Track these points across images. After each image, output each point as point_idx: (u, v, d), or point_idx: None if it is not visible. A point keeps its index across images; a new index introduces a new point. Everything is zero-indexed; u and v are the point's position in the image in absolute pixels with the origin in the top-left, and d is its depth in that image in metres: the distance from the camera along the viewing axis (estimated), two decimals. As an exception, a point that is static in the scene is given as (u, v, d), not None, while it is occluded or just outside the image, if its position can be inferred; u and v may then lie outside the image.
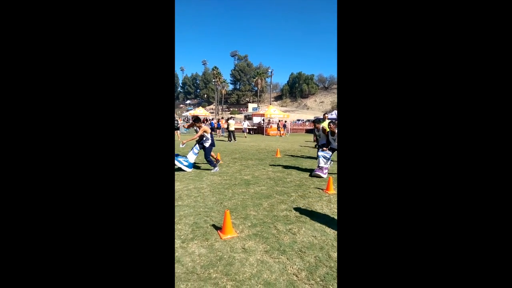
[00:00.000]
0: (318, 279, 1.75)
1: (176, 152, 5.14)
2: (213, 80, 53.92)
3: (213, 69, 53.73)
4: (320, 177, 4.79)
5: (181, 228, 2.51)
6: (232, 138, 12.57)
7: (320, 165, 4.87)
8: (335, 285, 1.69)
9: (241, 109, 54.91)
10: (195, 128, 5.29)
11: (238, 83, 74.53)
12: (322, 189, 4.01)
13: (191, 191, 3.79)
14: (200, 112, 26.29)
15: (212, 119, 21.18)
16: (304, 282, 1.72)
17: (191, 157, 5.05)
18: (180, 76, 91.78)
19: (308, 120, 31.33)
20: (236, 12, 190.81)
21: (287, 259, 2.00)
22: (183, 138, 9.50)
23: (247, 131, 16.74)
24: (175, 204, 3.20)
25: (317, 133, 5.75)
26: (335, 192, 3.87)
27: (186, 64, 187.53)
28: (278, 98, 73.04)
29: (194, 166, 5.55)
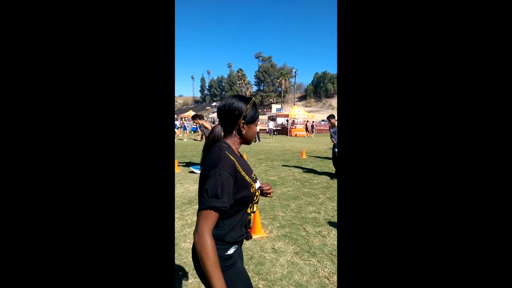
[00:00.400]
0: (351, 284, 1.71)
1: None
2: (238, 82, 54.77)
3: (238, 71, 54.60)
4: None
5: (212, 226, 2.60)
6: (257, 139, 12.67)
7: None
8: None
9: (265, 110, 55.00)
10: (198, 126, 5.32)
11: (262, 84, 74.83)
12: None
13: (219, 190, 3.91)
14: (225, 113, 26.79)
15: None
16: (336, 286, 1.69)
17: None
18: (206, 79, 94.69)
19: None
20: (260, 13, 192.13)
21: (318, 261, 1.98)
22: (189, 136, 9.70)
23: (273, 131, 16.68)
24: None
25: (331, 130, 5.31)
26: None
27: (213, 67, 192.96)
28: (302, 98, 71.94)
29: None
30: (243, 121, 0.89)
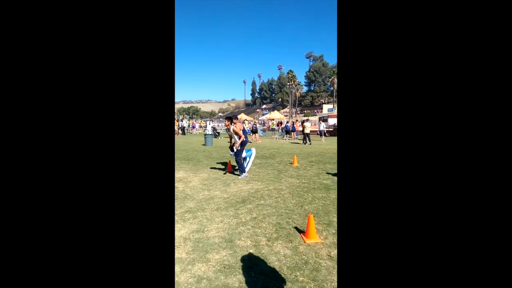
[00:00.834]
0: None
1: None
2: (288, 83, 54.49)
3: (288, 73, 54.35)
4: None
5: (265, 227, 2.63)
6: (307, 141, 12.34)
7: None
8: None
9: (315, 110, 53.20)
10: (226, 130, 5.15)
11: (313, 84, 72.70)
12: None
13: (271, 191, 3.94)
14: (275, 115, 27.03)
15: (287, 122, 21.38)
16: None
17: (245, 157, 5.10)
18: (257, 82, 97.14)
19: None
20: (311, 12, 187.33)
21: (381, 276, 1.80)
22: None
23: (324, 133, 15.97)
24: (258, 202, 3.39)
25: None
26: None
27: (263, 71, 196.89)
28: (357, 97, 66.88)
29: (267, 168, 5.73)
30: None
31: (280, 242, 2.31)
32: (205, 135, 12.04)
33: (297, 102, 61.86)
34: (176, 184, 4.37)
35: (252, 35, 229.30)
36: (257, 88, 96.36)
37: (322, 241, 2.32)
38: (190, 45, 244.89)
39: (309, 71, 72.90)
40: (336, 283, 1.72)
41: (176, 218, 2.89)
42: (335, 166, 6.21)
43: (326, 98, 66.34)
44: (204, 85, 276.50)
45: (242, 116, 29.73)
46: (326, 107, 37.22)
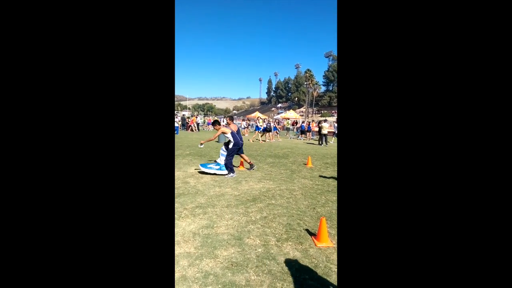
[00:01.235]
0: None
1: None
2: (305, 83, 53.77)
3: (305, 72, 53.61)
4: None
5: (275, 227, 2.59)
6: (323, 142, 12.09)
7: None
8: None
9: (333, 111, 52.14)
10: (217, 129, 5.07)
11: (331, 84, 71.19)
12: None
13: (283, 191, 3.88)
14: (291, 115, 26.75)
15: (303, 122, 21.11)
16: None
17: (221, 160, 4.92)
18: (273, 81, 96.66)
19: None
20: (331, 10, 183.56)
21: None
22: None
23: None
24: (269, 202, 3.35)
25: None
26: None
27: (280, 69, 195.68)
28: (376, 99, 64.87)
29: (274, 167, 5.65)
30: None
31: (290, 243, 2.26)
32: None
33: (314, 102, 60.93)
34: (188, 179, 4.43)
35: (270, 34, 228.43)
36: (273, 86, 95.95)
37: (334, 245, 2.24)
38: (208, 42, 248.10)
39: (328, 71, 71.46)
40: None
41: (186, 212, 2.92)
42: (351, 168, 6.03)
43: (344, 99, 64.73)
44: (220, 83, 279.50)
45: (256, 115, 29.72)
46: (343, 108, 36.25)
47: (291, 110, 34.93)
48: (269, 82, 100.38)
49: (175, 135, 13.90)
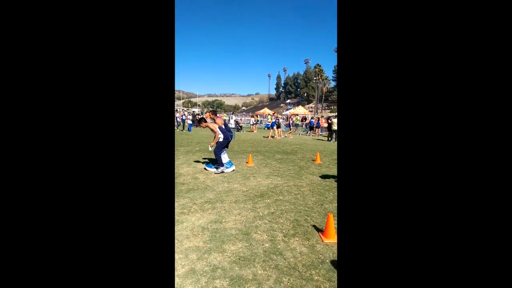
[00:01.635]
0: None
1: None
2: (314, 78, 53.00)
3: (315, 67, 52.81)
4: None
5: (283, 222, 2.61)
6: (333, 138, 11.95)
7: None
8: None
9: (343, 107, 51.19)
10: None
11: (341, 79, 69.70)
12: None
13: (291, 187, 3.89)
14: (299, 111, 26.50)
15: (312, 118, 20.88)
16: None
17: (225, 158, 4.87)
18: (282, 77, 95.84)
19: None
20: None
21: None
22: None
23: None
24: (276, 198, 3.37)
25: None
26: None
27: (289, 65, 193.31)
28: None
29: (281, 164, 5.64)
30: None
31: (297, 239, 2.28)
32: (228, 128, 12.16)
33: (323, 97, 60.04)
34: (197, 175, 4.50)
35: (279, 29, 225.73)
36: (282, 82, 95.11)
37: (341, 241, 2.24)
38: (217, 40, 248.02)
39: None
40: None
41: (196, 207, 2.98)
42: (360, 165, 5.95)
43: (355, 94, 63.41)
44: (229, 79, 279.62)
45: (265, 111, 29.54)
46: (353, 104, 35.57)
47: (300, 106, 34.59)
48: (278, 77, 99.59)
49: (188, 132, 14.06)
